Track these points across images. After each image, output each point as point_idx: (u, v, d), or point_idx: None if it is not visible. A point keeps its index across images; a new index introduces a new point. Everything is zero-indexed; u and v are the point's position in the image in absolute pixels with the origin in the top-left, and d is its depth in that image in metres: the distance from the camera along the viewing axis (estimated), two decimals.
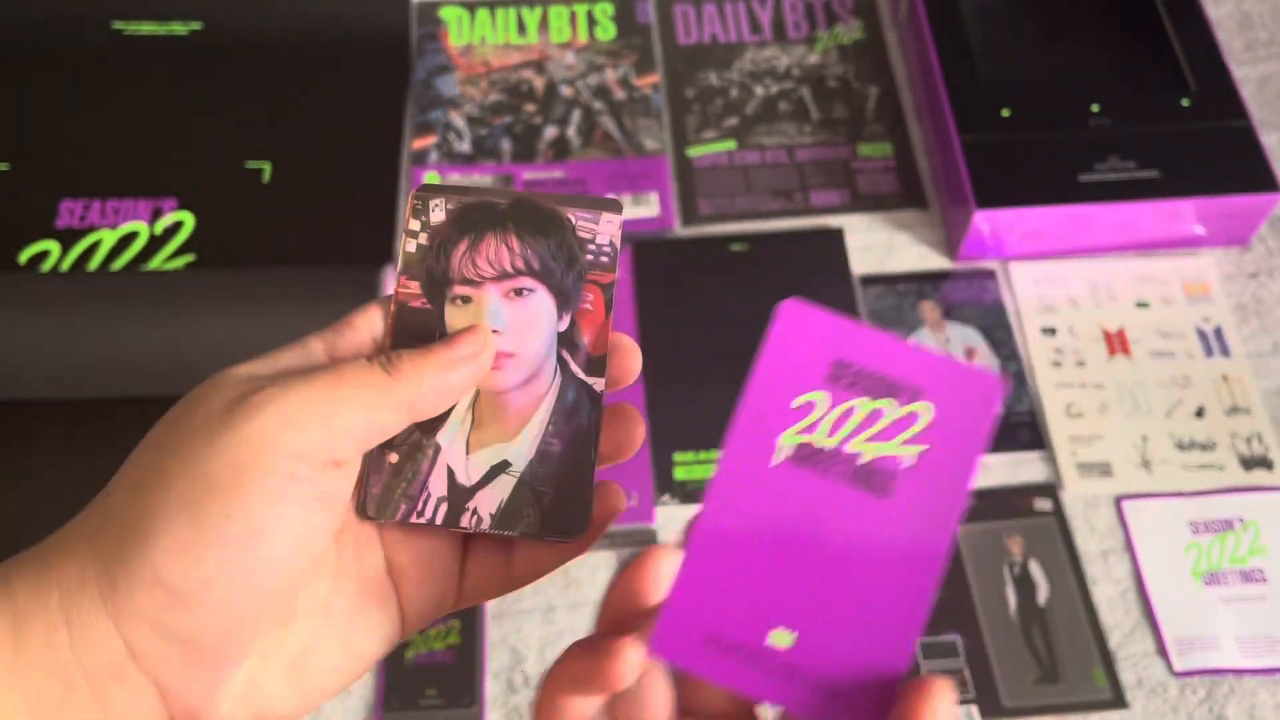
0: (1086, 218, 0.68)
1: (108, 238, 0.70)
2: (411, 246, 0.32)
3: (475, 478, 0.31)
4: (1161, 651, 0.58)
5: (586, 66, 0.80)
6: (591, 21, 0.82)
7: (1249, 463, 0.64)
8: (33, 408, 0.63)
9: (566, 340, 0.31)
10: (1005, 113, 0.70)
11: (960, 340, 0.68)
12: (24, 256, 0.69)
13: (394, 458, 0.30)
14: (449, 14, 0.82)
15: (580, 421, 0.31)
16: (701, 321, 0.68)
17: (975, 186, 0.67)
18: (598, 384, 0.31)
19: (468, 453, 0.31)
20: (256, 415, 0.26)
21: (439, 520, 0.30)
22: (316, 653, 0.29)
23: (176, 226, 0.71)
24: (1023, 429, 0.65)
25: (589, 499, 0.31)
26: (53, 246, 0.70)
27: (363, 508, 0.30)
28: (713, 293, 0.69)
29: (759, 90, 0.79)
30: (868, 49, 0.81)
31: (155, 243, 0.70)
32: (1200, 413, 0.65)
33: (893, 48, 0.81)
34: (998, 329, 0.68)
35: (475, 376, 0.30)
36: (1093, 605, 0.59)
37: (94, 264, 0.69)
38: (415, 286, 0.31)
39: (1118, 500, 0.63)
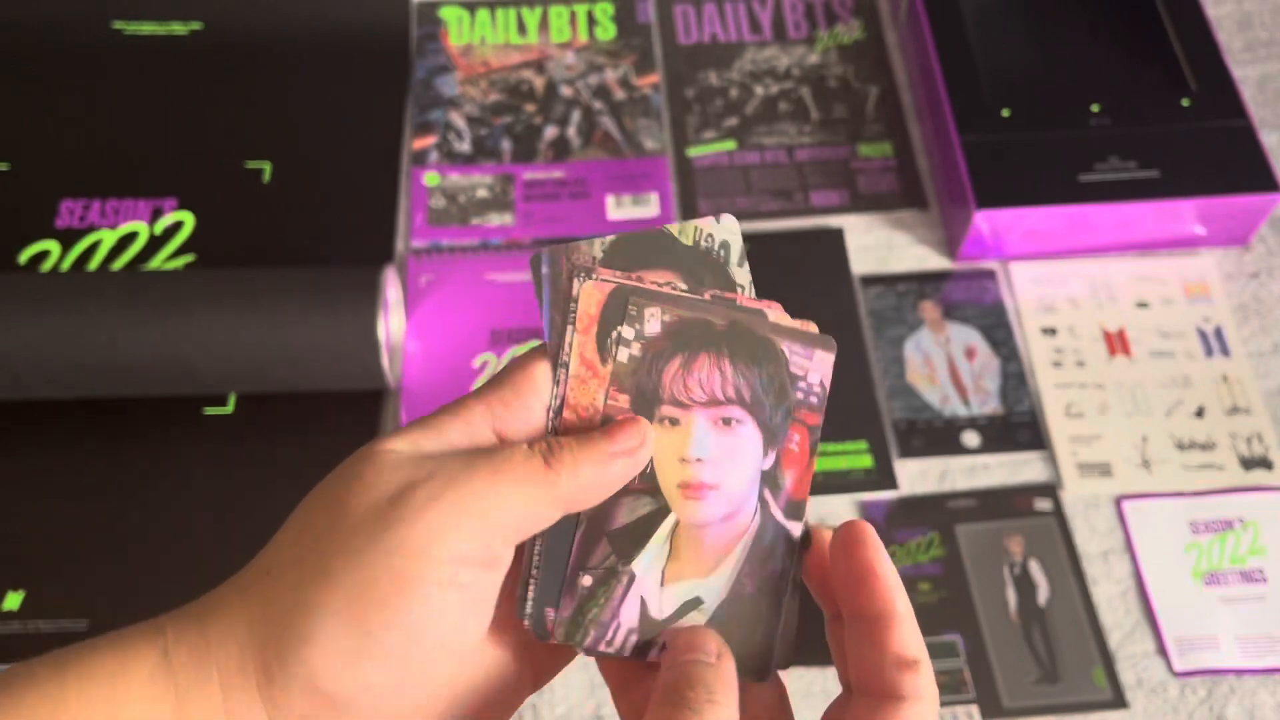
0: (1086, 218, 0.68)
1: (108, 238, 0.70)
2: (624, 356, 0.29)
3: (667, 611, 0.30)
4: (1162, 651, 0.58)
5: (586, 66, 0.80)
6: (591, 21, 0.82)
7: (1249, 463, 0.64)
8: (33, 408, 0.63)
9: (769, 479, 0.30)
10: (1005, 113, 0.70)
11: (960, 340, 0.68)
12: (24, 256, 0.69)
13: (588, 580, 0.29)
14: (449, 14, 0.82)
15: (775, 566, 0.30)
16: None
17: (975, 186, 0.67)
18: (795, 528, 0.30)
19: (662, 584, 0.30)
20: (419, 517, 0.25)
21: (626, 652, 0.29)
22: None
23: (176, 226, 0.71)
24: (1023, 429, 0.65)
25: (773, 646, 0.30)
26: (53, 246, 0.70)
27: (541, 626, 0.29)
28: None
29: (759, 90, 0.79)
30: (868, 49, 0.81)
31: (155, 243, 0.70)
32: (1200, 413, 0.65)
33: (893, 48, 0.81)
34: (998, 329, 0.68)
35: (634, 471, 0.29)
36: (1093, 605, 0.59)
37: (94, 264, 0.69)
38: (624, 401, 0.29)
39: (1118, 500, 0.63)
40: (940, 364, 0.67)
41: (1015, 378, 0.67)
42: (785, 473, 0.30)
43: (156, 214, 0.72)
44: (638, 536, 0.30)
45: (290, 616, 0.25)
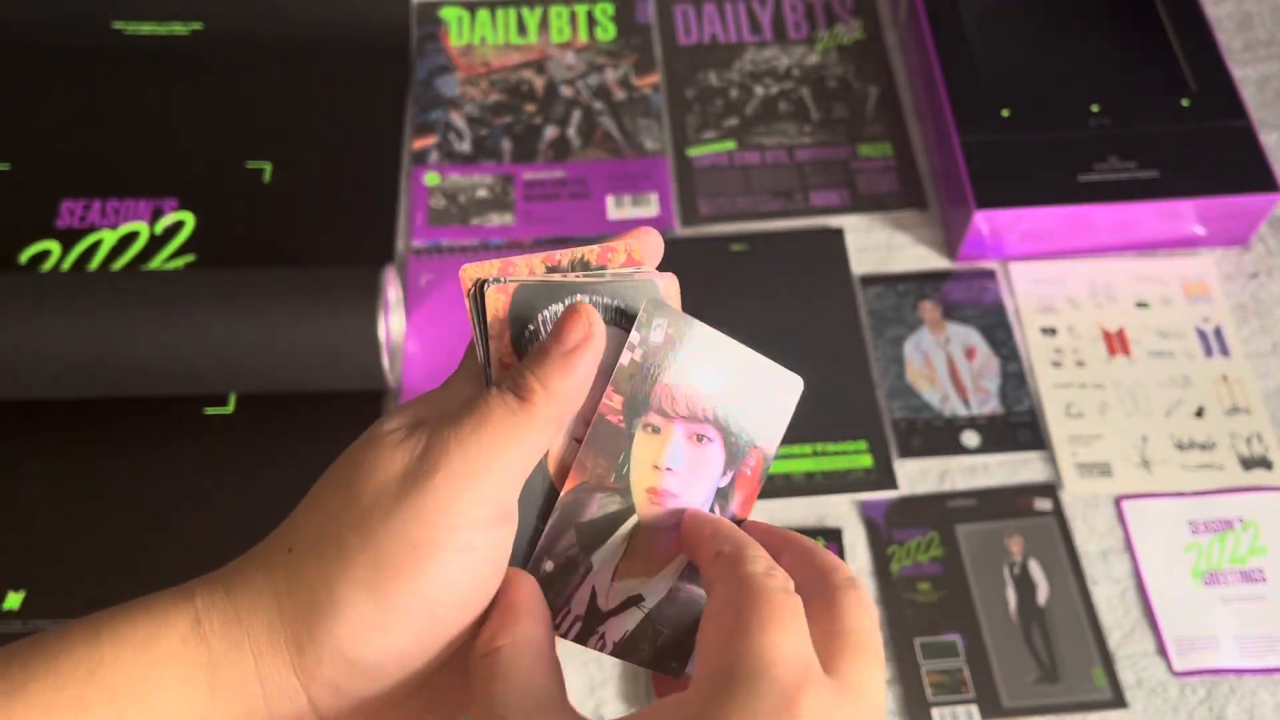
0: (1086, 218, 0.68)
1: (108, 238, 0.70)
2: (626, 360, 0.31)
3: (612, 604, 0.32)
4: (1161, 651, 0.58)
5: (586, 66, 0.80)
6: (591, 21, 0.82)
7: (1249, 463, 0.64)
8: (33, 408, 0.63)
9: (721, 495, 0.32)
10: (1005, 113, 0.70)
11: (960, 340, 0.68)
12: (24, 256, 0.69)
13: (550, 566, 0.31)
14: (449, 14, 0.82)
15: None
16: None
17: (975, 186, 0.67)
18: None
19: (613, 579, 0.31)
20: (427, 490, 0.26)
21: (570, 636, 0.31)
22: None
23: (177, 226, 0.71)
24: (1023, 429, 0.65)
25: (692, 645, 0.32)
26: (53, 246, 0.70)
27: None
28: (713, 293, 0.69)
29: (759, 90, 0.79)
30: (868, 49, 0.81)
31: (156, 243, 0.70)
32: (1200, 413, 0.65)
33: (893, 48, 0.81)
34: (998, 329, 0.68)
35: (595, 360, 0.29)
36: (1092, 605, 0.59)
37: (94, 264, 0.69)
38: (618, 403, 0.31)
39: (1117, 500, 0.63)
40: (940, 364, 0.67)
41: (1015, 378, 0.67)
42: (736, 493, 0.32)
43: (157, 214, 0.72)
44: (602, 531, 0.31)
45: (316, 592, 0.26)
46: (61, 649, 0.25)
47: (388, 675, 0.27)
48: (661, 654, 0.32)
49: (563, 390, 0.28)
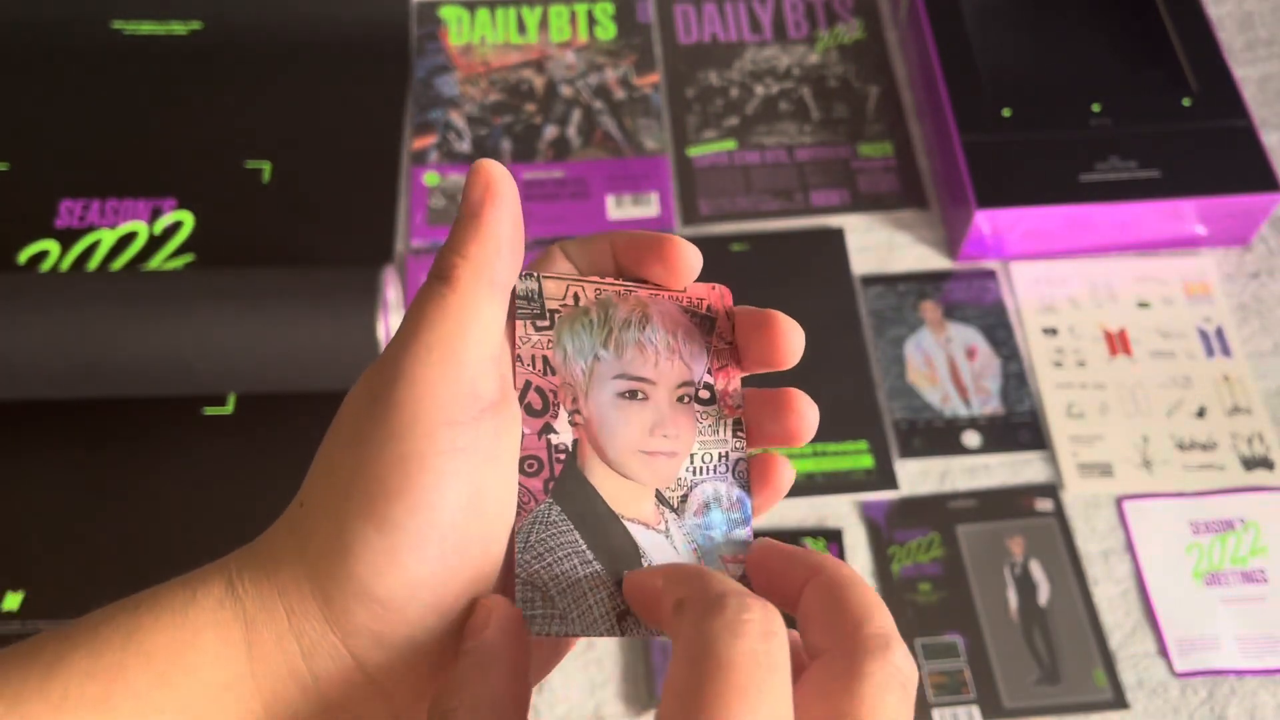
0: (1087, 218, 0.68)
1: (107, 238, 0.70)
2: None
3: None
4: (1162, 652, 0.58)
5: (586, 66, 0.80)
6: (591, 21, 0.82)
7: (1250, 463, 0.63)
8: (33, 408, 0.63)
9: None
10: (1005, 113, 0.70)
11: (961, 340, 0.68)
12: (23, 256, 0.69)
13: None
14: (449, 13, 0.82)
15: None
16: None
17: (975, 186, 0.67)
18: None
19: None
20: (392, 404, 0.25)
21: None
22: None
23: (176, 226, 0.71)
24: (1023, 429, 0.65)
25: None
26: (52, 246, 0.70)
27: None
28: None
29: (759, 90, 0.79)
30: (868, 49, 0.81)
31: (155, 243, 0.70)
32: (1201, 413, 0.65)
33: (893, 48, 0.81)
34: (998, 329, 0.68)
35: (510, 208, 0.27)
36: (1093, 605, 0.59)
37: (93, 264, 0.69)
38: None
39: (1119, 500, 0.63)
40: (941, 364, 0.67)
41: (1016, 378, 0.67)
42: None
43: (156, 214, 0.72)
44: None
45: (327, 535, 0.25)
46: (104, 619, 0.25)
47: (422, 610, 0.25)
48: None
49: (482, 254, 0.26)
